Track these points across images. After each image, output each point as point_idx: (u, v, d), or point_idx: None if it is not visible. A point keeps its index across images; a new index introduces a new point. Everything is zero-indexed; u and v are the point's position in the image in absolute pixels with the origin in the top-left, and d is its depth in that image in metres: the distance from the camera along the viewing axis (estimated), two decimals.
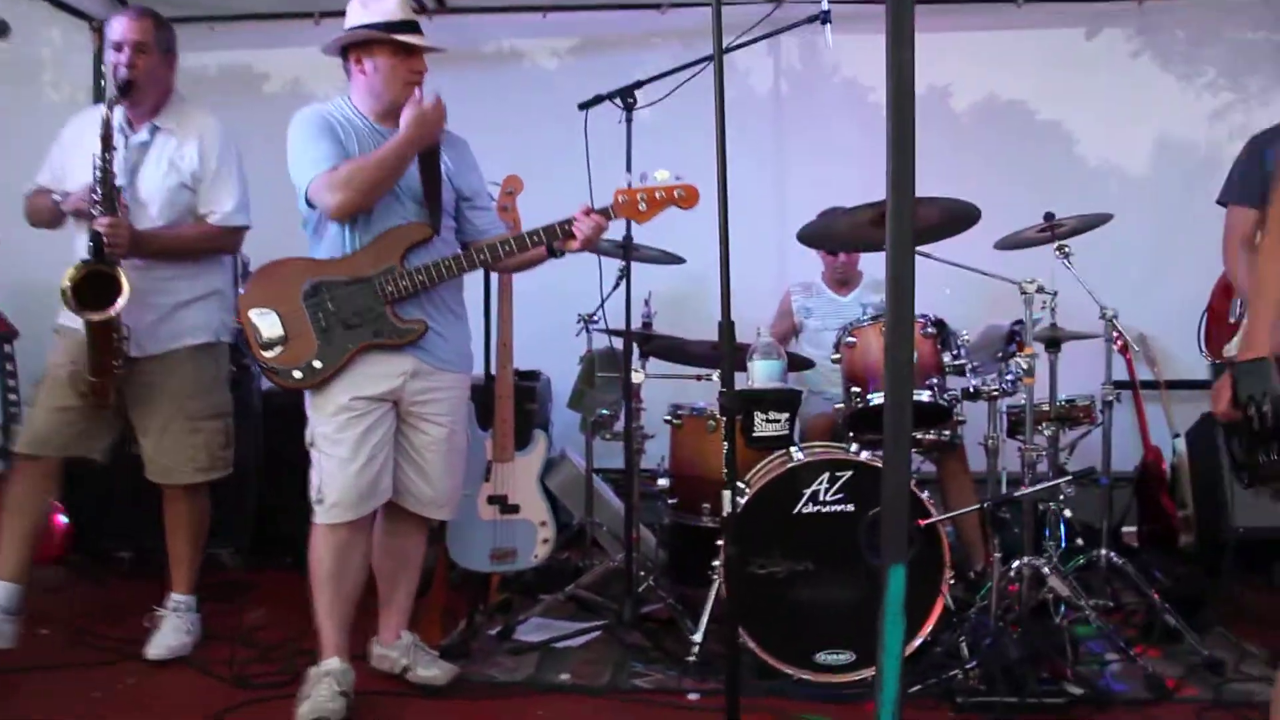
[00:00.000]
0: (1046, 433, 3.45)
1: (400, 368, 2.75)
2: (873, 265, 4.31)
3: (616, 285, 3.63)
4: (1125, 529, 4.18)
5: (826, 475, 2.96)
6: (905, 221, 1.13)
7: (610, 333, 3.74)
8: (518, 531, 3.53)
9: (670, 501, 3.59)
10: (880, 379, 3.24)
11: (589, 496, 4.07)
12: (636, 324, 3.51)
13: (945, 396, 3.25)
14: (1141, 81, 4.75)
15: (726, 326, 2.09)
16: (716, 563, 3.08)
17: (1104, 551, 3.35)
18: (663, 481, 3.58)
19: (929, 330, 3.29)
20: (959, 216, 3.07)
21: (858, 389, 3.30)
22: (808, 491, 2.98)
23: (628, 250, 3.36)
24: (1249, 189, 2.88)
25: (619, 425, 3.71)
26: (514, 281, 3.50)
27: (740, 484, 3.37)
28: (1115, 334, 3.47)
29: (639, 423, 3.54)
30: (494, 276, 3.53)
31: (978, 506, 3.01)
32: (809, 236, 3.48)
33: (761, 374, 3.28)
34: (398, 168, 2.69)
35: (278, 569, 4.07)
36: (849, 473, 2.96)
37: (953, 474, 3.78)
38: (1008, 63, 4.79)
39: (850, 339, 3.36)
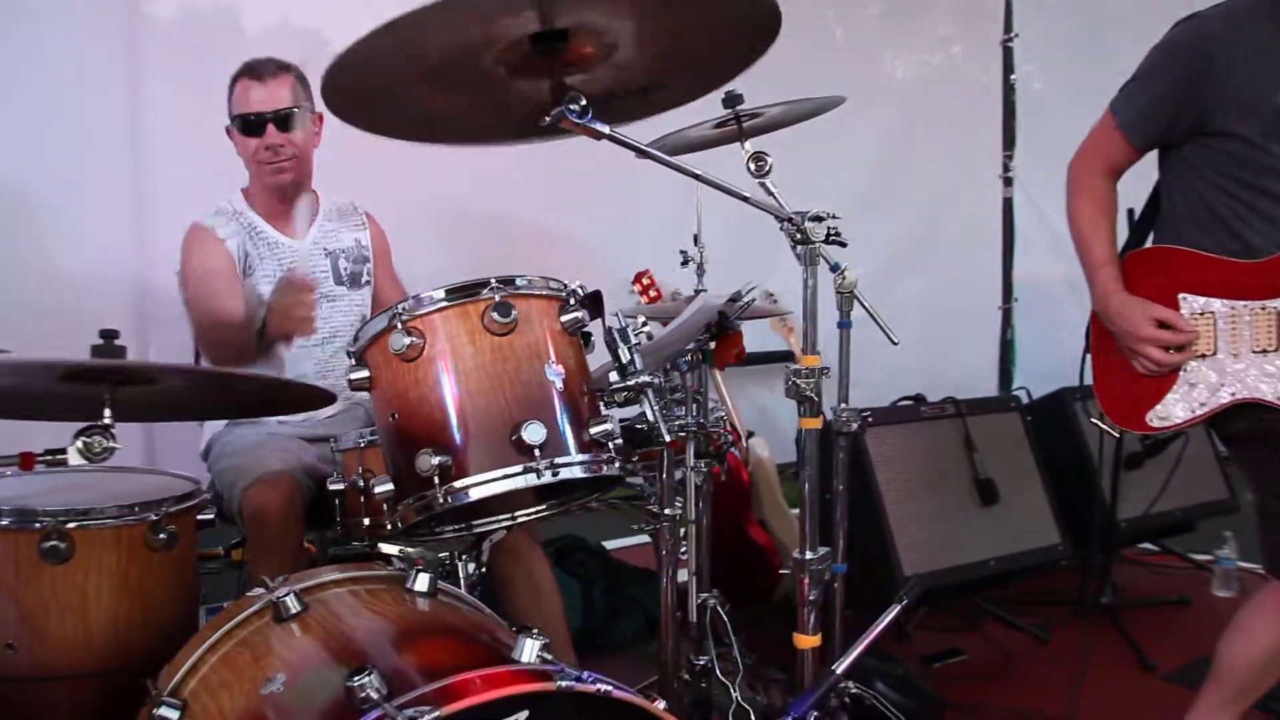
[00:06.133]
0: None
1: None
2: (346, 175, 2.44)
3: None
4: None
5: None
6: None
7: None
8: None
9: None
10: (495, 423, 1.46)
11: None
12: None
13: (614, 454, 1.57)
14: None
15: None
16: None
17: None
18: None
19: (575, 316, 1.57)
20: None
21: (436, 454, 1.44)
22: None
23: None
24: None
25: None
26: None
27: None
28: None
29: None
30: None
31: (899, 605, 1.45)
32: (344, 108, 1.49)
33: None
34: None
35: None
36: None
37: (523, 554, 2.16)
38: None
39: (406, 339, 1.48)
